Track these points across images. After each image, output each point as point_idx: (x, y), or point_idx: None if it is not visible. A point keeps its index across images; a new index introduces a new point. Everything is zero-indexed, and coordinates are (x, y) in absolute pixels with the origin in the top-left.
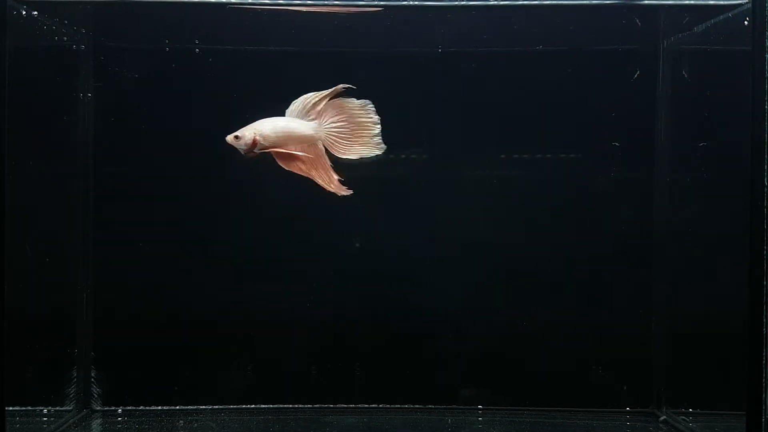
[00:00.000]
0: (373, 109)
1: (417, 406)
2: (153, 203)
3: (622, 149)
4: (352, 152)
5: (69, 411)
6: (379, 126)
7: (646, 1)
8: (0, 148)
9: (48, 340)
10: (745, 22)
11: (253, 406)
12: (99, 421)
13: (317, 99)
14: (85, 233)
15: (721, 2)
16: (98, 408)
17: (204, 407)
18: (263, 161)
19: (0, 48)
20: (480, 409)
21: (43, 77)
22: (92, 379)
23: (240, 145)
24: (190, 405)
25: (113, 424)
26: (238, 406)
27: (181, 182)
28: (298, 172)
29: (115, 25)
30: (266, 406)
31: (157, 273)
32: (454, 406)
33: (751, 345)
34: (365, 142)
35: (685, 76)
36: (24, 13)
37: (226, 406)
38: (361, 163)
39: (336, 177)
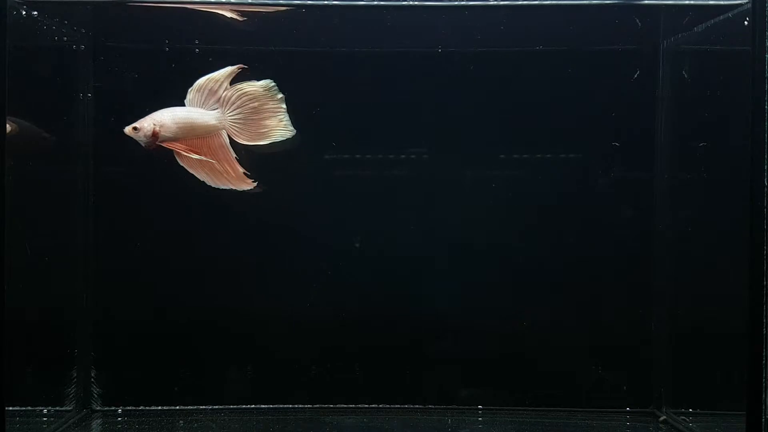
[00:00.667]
0: (277, 89)
1: (417, 406)
2: (153, 203)
3: (622, 149)
4: (260, 138)
5: (69, 411)
6: (284, 107)
7: (646, 1)
8: (0, 148)
9: (48, 340)
10: (745, 23)
11: (253, 406)
12: (99, 421)
13: (214, 85)
14: (85, 233)
15: (721, 2)
16: (98, 408)
17: (204, 407)
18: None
19: (0, 48)
20: (480, 409)
21: (43, 77)
22: (92, 379)
23: (139, 137)
24: (190, 405)
25: (113, 424)
26: (238, 406)
27: (181, 182)
28: (198, 169)
29: (115, 25)
30: (266, 406)
31: (157, 273)
32: (454, 406)
33: (751, 345)
34: (273, 127)
35: (685, 76)
36: (24, 13)
37: (226, 406)
38: (360, 162)
39: (240, 169)
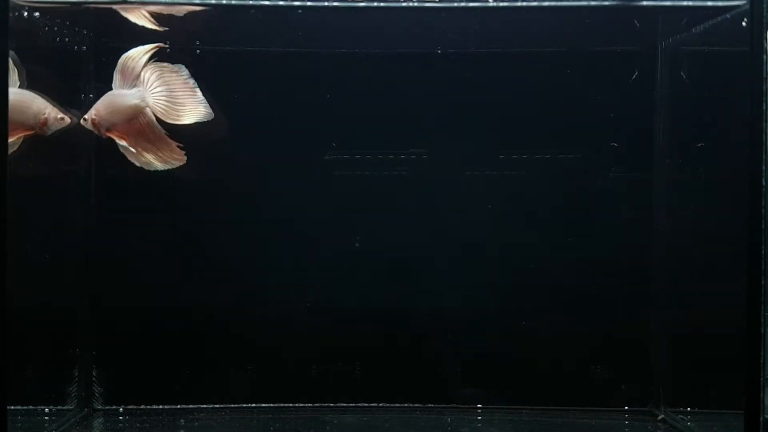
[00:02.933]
0: (188, 73)
1: (416, 405)
2: (153, 203)
3: (622, 149)
4: (185, 117)
5: (70, 410)
6: (198, 90)
7: (645, 2)
8: (0, 148)
9: (49, 339)
10: (743, 23)
11: (253, 405)
12: (100, 420)
13: (132, 63)
14: (85, 233)
15: (720, 3)
16: (99, 407)
17: (205, 406)
18: None
19: (1, 49)
20: (479, 408)
21: (44, 78)
22: (93, 378)
23: (89, 127)
24: (191, 404)
25: (114, 423)
26: (239, 405)
27: (181, 181)
28: (137, 156)
29: (116, 26)
30: (266, 405)
31: (158, 272)
32: (454, 406)
33: (749, 345)
34: (193, 105)
35: (684, 77)
36: (25, 14)
37: (227, 405)
38: (360, 162)
39: (174, 143)
